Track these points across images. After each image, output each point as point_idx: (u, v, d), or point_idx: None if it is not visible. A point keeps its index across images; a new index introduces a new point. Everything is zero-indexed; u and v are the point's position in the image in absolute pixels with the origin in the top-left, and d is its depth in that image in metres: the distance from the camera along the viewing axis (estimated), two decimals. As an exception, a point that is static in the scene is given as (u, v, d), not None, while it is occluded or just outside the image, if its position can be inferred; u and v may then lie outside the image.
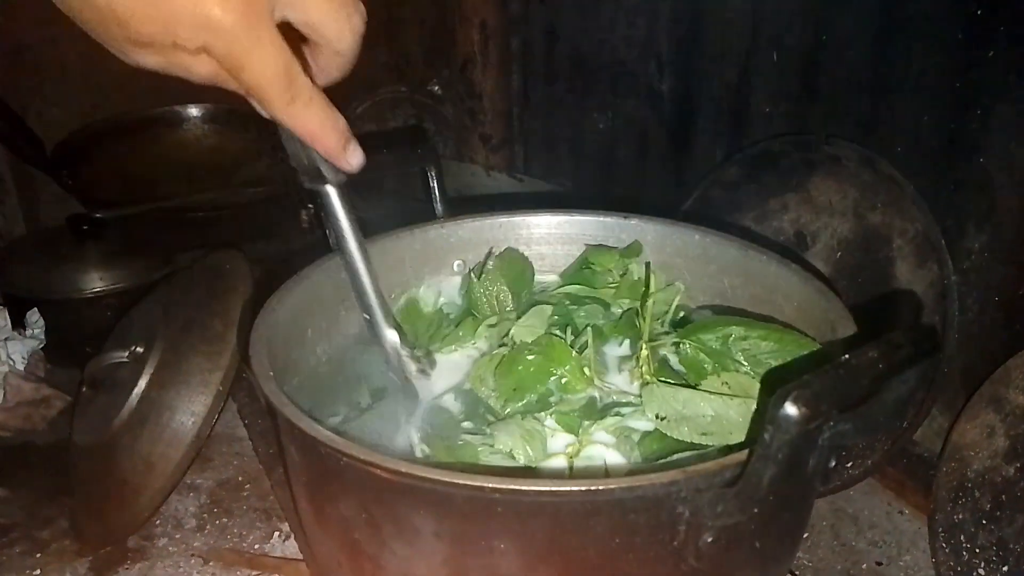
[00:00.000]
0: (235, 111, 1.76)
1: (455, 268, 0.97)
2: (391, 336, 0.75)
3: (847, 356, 0.52)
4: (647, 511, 0.53)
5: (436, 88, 1.93)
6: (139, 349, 1.06)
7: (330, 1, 0.60)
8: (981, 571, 0.91)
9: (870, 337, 0.55)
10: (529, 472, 0.66)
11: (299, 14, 0.59)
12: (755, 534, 0.56)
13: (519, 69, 1.81)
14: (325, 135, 0.62)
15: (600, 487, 0.52)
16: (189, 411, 1.01)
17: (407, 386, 0.78)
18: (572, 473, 0.69)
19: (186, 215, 1.54)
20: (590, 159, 1.68)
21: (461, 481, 0.52)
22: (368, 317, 0.75)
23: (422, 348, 0.80)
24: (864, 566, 1.03)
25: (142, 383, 1.02)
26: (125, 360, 1.06)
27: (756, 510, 0.50)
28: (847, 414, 0.51)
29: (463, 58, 1.86)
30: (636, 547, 0.55)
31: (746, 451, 0.52)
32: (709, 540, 0.53)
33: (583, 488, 0.51)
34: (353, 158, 0.66)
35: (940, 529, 0.95)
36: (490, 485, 0.51)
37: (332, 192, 0.70)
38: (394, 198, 1.30)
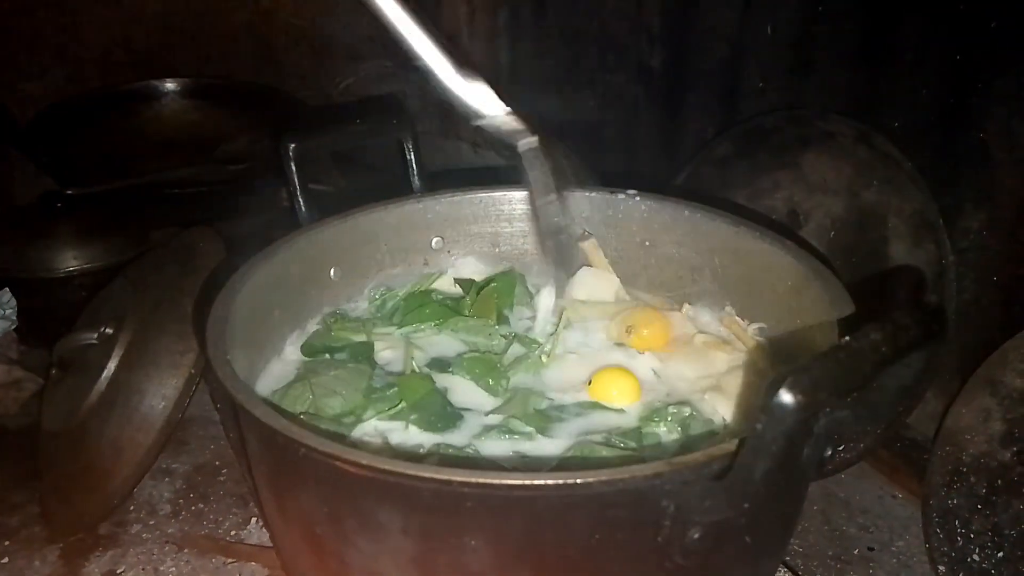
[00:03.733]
0: (215, 85, 1.72)
1: (433, 245, 0.94)
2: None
3: (848, 339, 0.48)
4: (629, 505, 0.50)
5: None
6: (108, 330, 1.03)
7: None
8: (975, 557, 0.89)
9: (868, 318, 0.52)
10: (501, 465, 0.63)
11: None
12: (745, 529, 0.53)
13: (507, 43, 1.77)
14: None
15: (577, 480, 0.48)
16: (159, 394, 0.98)
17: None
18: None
19: (163, 192, 1.51)
20: (579, 135, 1.65)
21: (427, 474, 0.48)
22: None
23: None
24: (856, 552, 1.01)
25: (111, 365, 1.00)
26: (94, 341, 1.03)
27: (747, 505, 0.47)
28: (846, 400, 0.48)
29: (449, 31, 1.82)
30: (617, 543, 0.52)
31: (735, 441, 0.48)
32: (696, 536, 0.50)
33: (559, 482, 0.48)
34: None
35: (934, 514, 0.93)
36: (458, 479, 0.48)
37: None
38: (368, 171, 1.26)
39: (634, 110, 1.50)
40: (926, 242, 1.01)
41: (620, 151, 1.57)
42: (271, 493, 0.62)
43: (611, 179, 0.97)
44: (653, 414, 0.75)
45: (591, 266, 0.94)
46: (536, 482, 0.49)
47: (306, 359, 0.85)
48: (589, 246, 0.94)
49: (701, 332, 0.88)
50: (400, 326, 0.88)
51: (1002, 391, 0.90)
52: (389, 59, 1.87)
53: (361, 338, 0.85)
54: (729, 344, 0.86)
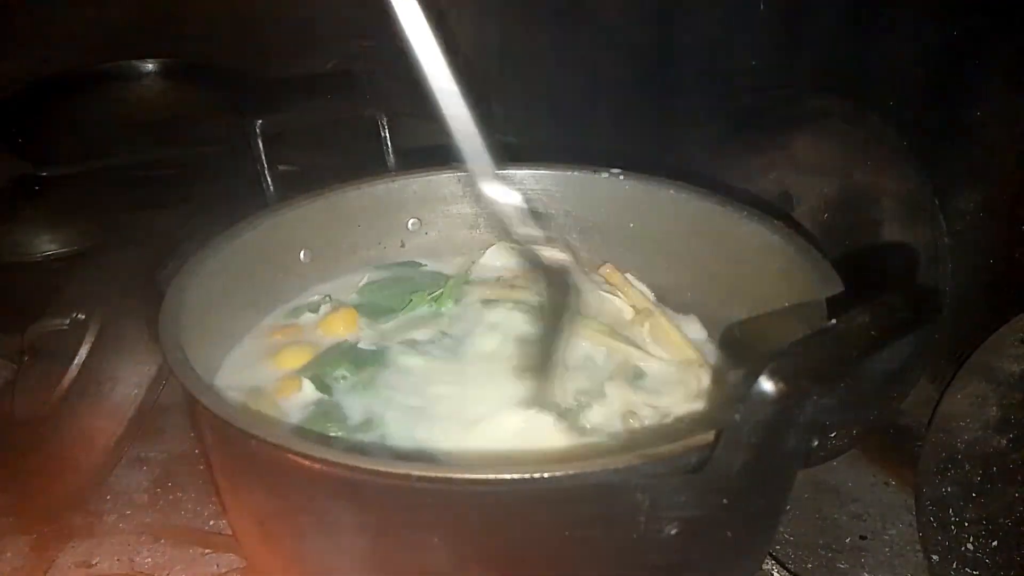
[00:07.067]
0: (194, 65, 1.69)
1: (409, 227, 0.91)
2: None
3: (834, 322, 0.45)
4: (600, 501, 0.48)
5: (409, 42, 1.87)
6: (80, 316, 1.01)
7: None
8: (969, 546, 0.88)
9: (857, 301, 0.49)
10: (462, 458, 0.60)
11: None
12: (726, 523, 0.50)
13: (496, 23, 1.74)
14: None
15: (544, 475, 0.45)
16: (131, 382, 0.97)
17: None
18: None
19: (140, 174, 1.49)
20: (570, 116, 1.64)
21: (383, 468, 0.46)
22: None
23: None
24: (847, 540, 0.99)
25: (82, 352, 0.98)
26: (65, 327, 1.01)
27: (725, 500, 0.44)
28: (833, 387, 0.45)
29: (437, 10, 1.79)
30: (589, 541, 0.49)
31: (712, 432, 0.45)
32: (673, 532, 0.47)
33: (524, 476, 0.45)
34: None
35: (927, 502, 0.91)
36: (416, 473, 0.45)
37: None
38: (342, 150, 1.23)
39: (624, 90, 1.48)
40: (920, 224, 0.99)
41: (610, 131, 1.55)
42: (226, 485, 0.59)
43: (601, 159, 0.94)
44: None
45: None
46: (499, 476, 0.46)
47: None
48: (608, 270, 0.92)
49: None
50: None
51: (997, 376, 0.88)
52: (372, 38, 1.84)
53: None
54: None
